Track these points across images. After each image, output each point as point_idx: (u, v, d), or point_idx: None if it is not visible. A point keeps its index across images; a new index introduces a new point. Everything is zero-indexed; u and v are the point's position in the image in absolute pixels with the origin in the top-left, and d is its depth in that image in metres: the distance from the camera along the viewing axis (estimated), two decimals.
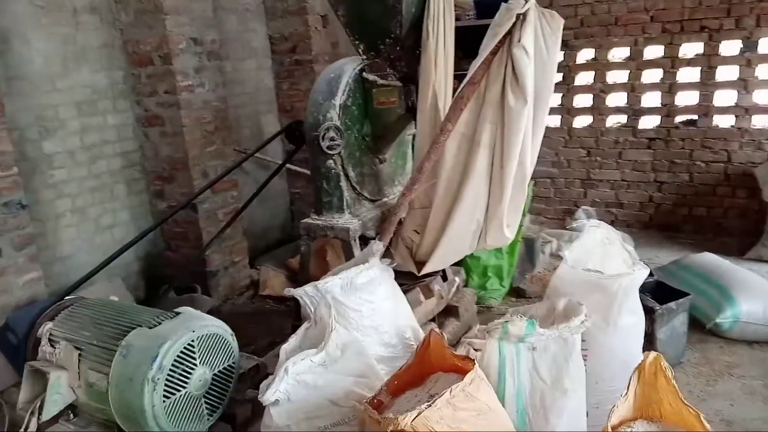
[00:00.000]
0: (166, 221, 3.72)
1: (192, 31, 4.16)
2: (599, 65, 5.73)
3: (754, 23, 5.04)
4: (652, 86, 5.57)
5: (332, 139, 2.80)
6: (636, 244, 5.47)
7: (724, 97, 5.33)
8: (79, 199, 4.03)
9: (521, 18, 2.33)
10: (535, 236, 5.14)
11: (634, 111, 5.68)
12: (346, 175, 2.96)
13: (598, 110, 5.83)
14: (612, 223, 5.92)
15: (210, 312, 4.18)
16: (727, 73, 5.28)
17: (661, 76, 5.51)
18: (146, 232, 3.46)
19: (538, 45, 2.37)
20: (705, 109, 5.38)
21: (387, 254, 2.93)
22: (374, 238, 2.97)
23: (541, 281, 5.01)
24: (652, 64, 5.53)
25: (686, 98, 5.47)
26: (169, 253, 4.47)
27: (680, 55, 5.39)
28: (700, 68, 5.33)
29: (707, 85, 5.33)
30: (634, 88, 5.64)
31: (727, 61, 5.23)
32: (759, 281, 4.00)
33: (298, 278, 3.22)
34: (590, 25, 5.67)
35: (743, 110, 5.23)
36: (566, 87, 5.92)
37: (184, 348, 2.02)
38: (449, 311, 3.67)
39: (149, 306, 4.31)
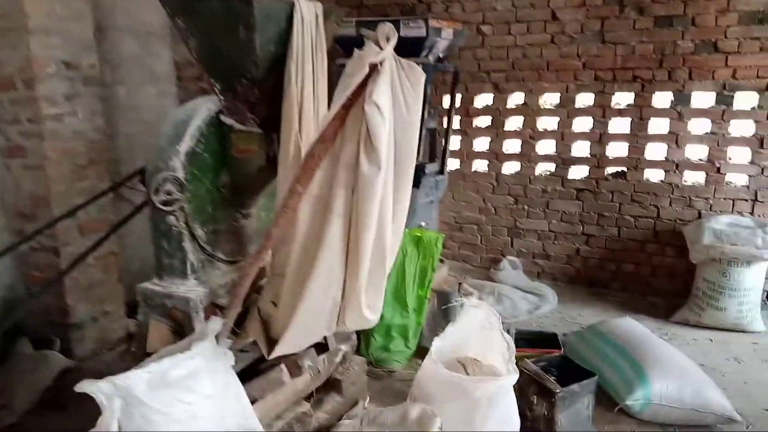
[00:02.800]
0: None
1: (65, 54, 3.69)
2: (529, 111, 5.45)
3: (687, 76, 4.83)
4: (583, 135, 5.30)
5: (169, 193, 2.36)
6: (561, 299, 5.19)
7: (655, 151, 5.09)
8: None
9: (376, 69, 1.95)
10: (451, 290, 4.75)
11: (563, 160, 5.40)
12: (192, 234, 2.52)
13: (527, 157, 5.54)
14: (538, 275, 5.66)
15: (64, 373, 3.67)
16: (658, 125, 5.04)
17: (592, 125, 5.25)
18: None
19: (396, 102, 2.00)
20: (635, 161, 5.13)
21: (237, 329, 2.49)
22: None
23: None
24: (583, 112, 5.27)
25: (616, 149, 5.22)
26: (30, 301, 3.93)
27: (612, 104, 5.15)
28: (630, 119, 5.09)
29: (638, 136, 5.08)
30: (563, 136, 5.37)
31: (659, 113, 5.00)
32: (678, 358, 3.65)
33: (135, 357, 2.73)
34: (521, 68, 5.40)
35: (674, 165, 4.99)
36: (495, 132, 5.62)
37: None
38: (331, 385, 3.22)
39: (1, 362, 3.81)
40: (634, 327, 4.02)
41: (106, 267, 4.05)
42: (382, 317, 3.98)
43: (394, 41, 1.96)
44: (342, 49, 4.64)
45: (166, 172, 2.38)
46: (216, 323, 2.24)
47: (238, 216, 2.75)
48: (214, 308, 2.57)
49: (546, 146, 5.49)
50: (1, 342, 3.87)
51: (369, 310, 2.29)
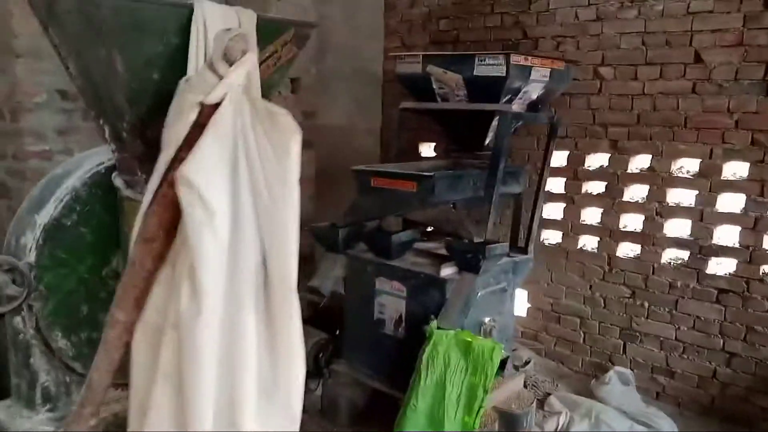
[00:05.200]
0: None
1: (61, 82, 3.16)
2: (657, 178, 4.16)
3: None
4: (730, 217, 3.91)
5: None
6: None
7: None
8: None
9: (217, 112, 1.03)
10: (522, 411, 3.56)
11: (701, 248, 4.01)
12: (47, 345, 1.71)
13: (652, 239, 4.21)
14: (656, 397, 4.25)
15: None
16: None
17: (744, 205, 3.85)
18: None
19: (253, 177, 1.05)
20: None
21: None
22: None
23: None
24: (733, 186, 3.89)
25: None
26: None
27: None
28: None
29: None
30: (703, 216, 4.00)
31: None
32: None
33: None
34: (649, 123, 4.14)
35: None
36: (611, 202, 4.37)
37: None
38: None
39: None
40: None
41: None
42: None
43: (247, 65, 1.03)
44: (408, 90, 3.77)
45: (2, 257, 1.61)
46: None
47: None
48: None
49: (678, 227, 4.14)
50: None
51: None
